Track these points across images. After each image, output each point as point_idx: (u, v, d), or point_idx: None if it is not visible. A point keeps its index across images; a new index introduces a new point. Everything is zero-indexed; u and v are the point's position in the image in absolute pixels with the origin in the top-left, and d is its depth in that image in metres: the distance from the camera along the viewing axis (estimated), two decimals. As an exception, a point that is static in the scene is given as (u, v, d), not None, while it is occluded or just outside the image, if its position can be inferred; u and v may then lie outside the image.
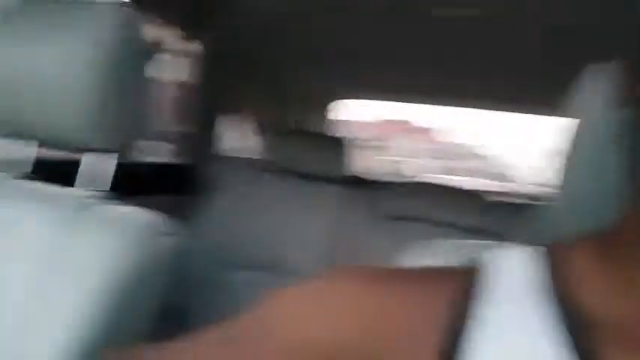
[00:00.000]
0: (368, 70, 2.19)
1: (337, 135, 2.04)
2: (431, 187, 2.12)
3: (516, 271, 0.43)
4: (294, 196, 1.90)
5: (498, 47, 1.65)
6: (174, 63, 2.01)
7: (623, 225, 0.41)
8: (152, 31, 1.76)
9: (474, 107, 2.61)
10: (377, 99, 2.88)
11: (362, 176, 2.25)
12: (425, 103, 2.77)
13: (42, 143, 0.81)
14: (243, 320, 0.47)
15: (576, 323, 0.39)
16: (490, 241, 0.57)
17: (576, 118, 0.57)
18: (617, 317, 0.39)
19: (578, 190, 0.55)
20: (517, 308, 0.40)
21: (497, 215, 1.82)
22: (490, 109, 2.59)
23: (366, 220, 1.89)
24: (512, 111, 2.55)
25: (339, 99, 2.85)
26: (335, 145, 1.99)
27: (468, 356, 0.38)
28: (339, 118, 2.85)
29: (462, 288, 0.42)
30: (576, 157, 0.56)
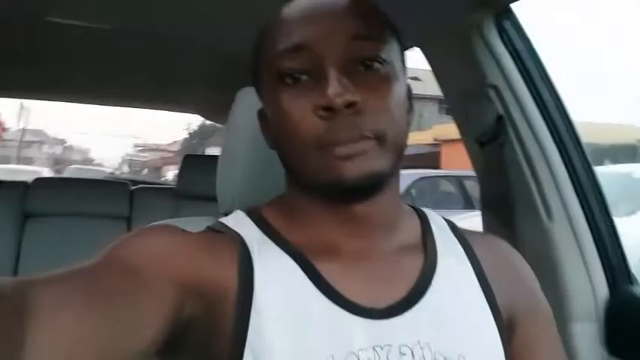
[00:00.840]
0: None
1: None
2: (76, 181, 2.44)
3: (248, 228, 0.64)
4: None
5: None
6: None
7: (283, 197, 0.68)
8: None
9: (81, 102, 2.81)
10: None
11: None
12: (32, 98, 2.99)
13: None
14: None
15: (291, 249, 0.61)
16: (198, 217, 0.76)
17: (231, 126, 0.83)
18: (300, 242, 0.62)
19: (235, 177, 0.81)
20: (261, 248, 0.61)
21: (142, 201, 2.18)
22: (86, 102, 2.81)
23: (9, 221, 2.01)
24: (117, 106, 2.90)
25: None
26: None
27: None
28: None
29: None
30: (229, 155, 0.82)
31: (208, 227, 0.67)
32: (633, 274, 1.12)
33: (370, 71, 0.60)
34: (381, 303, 0.60)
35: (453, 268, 0.66)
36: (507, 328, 0.66)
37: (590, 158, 1.15)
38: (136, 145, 34.08)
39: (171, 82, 2.33)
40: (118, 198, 2.18)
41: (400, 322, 0.59)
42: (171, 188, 2.33)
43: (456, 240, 0.70)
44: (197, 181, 2.10)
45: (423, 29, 1.22)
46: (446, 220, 0.74)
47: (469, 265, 0.67)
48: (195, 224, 0.69)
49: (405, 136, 0.64)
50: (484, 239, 0.74)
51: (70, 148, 36.65)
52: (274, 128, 0.64)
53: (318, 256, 0.62)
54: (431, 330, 0.60)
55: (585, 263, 1.10)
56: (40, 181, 2.22)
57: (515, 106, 1.12)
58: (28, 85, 2.42)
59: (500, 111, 1.14)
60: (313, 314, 0.57)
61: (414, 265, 0.65)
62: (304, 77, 0.60)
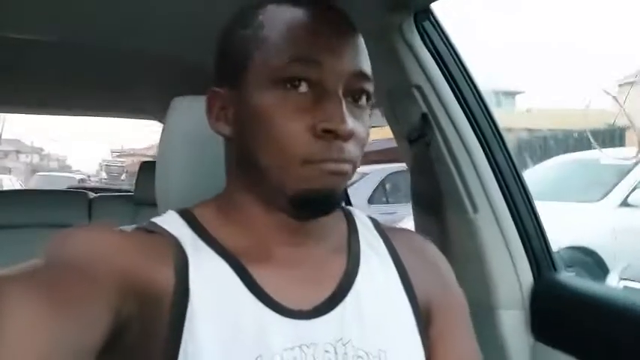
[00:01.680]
0: None
1: None
2: (36, 192, 2.46)
3: (180, 229, 0.65)
4: None
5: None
6: None
7: (220, 198, 0.69)
8: None
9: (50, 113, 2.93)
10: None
11: None
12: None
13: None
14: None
15: (225, 251, 0.63)
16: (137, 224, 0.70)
17: (167, 132, 0.83)
18: (234, 245, 0.64)
19: (172, 181, 0.82)
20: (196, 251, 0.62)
21: (101, 209, 2.25)
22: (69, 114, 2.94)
23: None
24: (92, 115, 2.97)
25: None
26: None
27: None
28: None
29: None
30: (167, 158, 0.83)
31: (138, 227, 0.67)
32: (557, 262, 1.16)
33: (360, 104, 0.64)
34: (308, 304, 0.62)
35: (375, 266, 0.69)
36: (425, 320, 0.70)
37: (565, 143, 1.18)
38: (113, 151, 33.78)
39: (130, 90, 2.34)
40: (77, 207, 2.19)
41: (324, 322, 0.62)
42: (130, 195, 2.34)
43: (379, 238, 0.73)
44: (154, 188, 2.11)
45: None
46: (370, 218, 0.77)
47: (391, 261, 0.71)
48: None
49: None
50: (403, 234, 0.77)
51: (48, 156, 36.27)
52: (249, 129, 0.63)
53: (251, 259, 0.63)
54: (353, 328, 0.63)
55: (510, 252, 1.14)
56: (1, 194, 2.22)
57: (439, 104, 1.16)
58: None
59: (425, 110, 1.17)
60: (244, 316, 0.59)
61: (339, 266, 0.68)
62: (303, 86, 0.61)
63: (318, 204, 0.63)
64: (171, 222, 0.66)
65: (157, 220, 0.67)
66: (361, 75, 0.63)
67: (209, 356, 0.57)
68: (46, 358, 0.46)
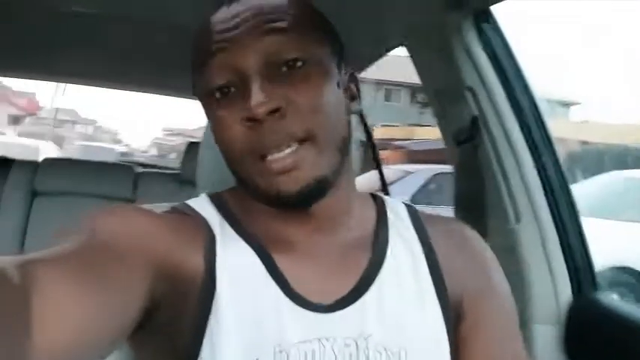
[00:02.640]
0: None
1: None
2: (84, 163, 2.43)
3: (210, 212, 0.65)
4: None
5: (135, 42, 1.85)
6: None
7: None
8: None
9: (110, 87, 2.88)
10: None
11: (6, 157, 2.28)
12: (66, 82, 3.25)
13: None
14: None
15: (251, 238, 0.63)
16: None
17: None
18: (258, 232, 0.64)
19: (214, 163, 0.77)
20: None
21: (146, 184, 2.24)
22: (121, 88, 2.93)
23: (19, 198, 2.08)
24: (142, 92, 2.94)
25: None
26: None
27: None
28: None
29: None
30: (209, 141, 0.76)
31: (173, 207, 0.68)
32: (598, 281, 1.12)
33: (294, 71, 0.59)
34: (329, 297, 0.61)
35: (402, 258, 0.66)
36: (455, 315, 0.66)
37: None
38: (165, 129, 34.50)
39: (181, 69, 2.35)
40: (123, 181, 2.24)
41: (345, 316, 0.61)
42: (176, 174, 2.38)
43: (412, 227, 0.70)
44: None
45: (406, 27, 1.24)
46: (407, 205, 0.73)
47: (421, 252, 0.67)
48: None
49: (342, 135, 0.63)
50: (443, 223, 0.73)
51: (101, 129, 37.29)
52: (216, 140, 0.64)
53: (275, 248, 0.63)
54: (374, 323, 0.61)
55: (550, 266, 1.11)
56: (50, 161, 2.29)
57: (490, 108, 1.13)
58: (57, 70, 2.48)
59: (475, 112, 1.15)
60: (266, 306, 0.59)
61: (362, 259, 0.65)
62: (232, 90, 0.60)
63: (293, 204, 0.61)
64: (203, 205, 0.67)
65: (190, 202, 0.68)
66: (275, 31, 0.59)
67: (232, 342, 0.57)
68: (82, 337, 0.47)
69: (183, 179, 2.26)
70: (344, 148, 0.64)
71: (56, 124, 26.16)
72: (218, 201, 0.68)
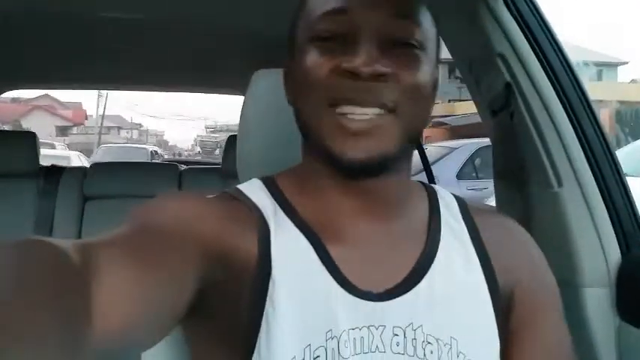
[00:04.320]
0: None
1: (25, 130, 2.57)
2: (129, 165, 2.61)
3: (263, 197, 0.66)
4: None
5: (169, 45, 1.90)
6: None
7: (297, 167, 0.70)
8: None
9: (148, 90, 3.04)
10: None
11: (58, 165, 2.36)
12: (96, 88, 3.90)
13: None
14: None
15: (303, 224, 0.64)
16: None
17: (247, 106, 0.86)
18: (310, 217, 0.64)
19: (253, 154, 0.85)
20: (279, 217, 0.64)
21: (190, 181, 2.30)
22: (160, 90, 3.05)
23: (71, 204, 2.16)
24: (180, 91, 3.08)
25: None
26: (25, 139, 2.18)
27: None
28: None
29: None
30: (248, 130, 0.86)
31: (224, 192, 0.69)
32: (648, 239, 1.10)
33: (405, 50, 0.61)
34: (380, 286, 0.63)
35: (454, 251, 0.67)
36: (506, 308, 0.68)
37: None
38: (207, 127, 34.92)
39: (218, 66, 2.40)
40: (168, 179, 2.30)
41: (395, 305, 0.62)
42: (218, 168, 2.43)
43: (462, 220, 0.70)
44: None
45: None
46: (456, 197, 0.74)
47: (472, 246, 0.68)
48: None
49: (424, 121, 0.65)
50: (491, 216, 0.74)
51: (146, 132, 38.09)
52: (296, 85, 0.65)
53: (328, 235, 0.64)
54: (425, 313, 0.62)
55: (596, 228, 1.09)
56: (97, 166, 2.39)
57: (523, 74, 1.12)
58: (100, 77, 2.57)
59: (508, 79, 1.14)
60: (318, 291, 0.61)
61: (416, 249, 0.66)
62: (336, 41, 0.61)
63: (354, 171, 0.62)
64: (255, 190, 0.68)
65: (241, 187, 0.69)
66: (400, 16, 0.61)
67: (287, 325, 0.59)
68: (137, 320, 0.48)
69: (226, 172, 2.30)
70: (416, 134, 0.66)
71: (102, 131, 26.92)
72: (271, 185, 0.69)
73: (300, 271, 0.61)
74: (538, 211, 1.15)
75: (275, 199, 0.67)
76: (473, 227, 0.70)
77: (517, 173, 1.18)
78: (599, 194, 1.10)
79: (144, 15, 1.66)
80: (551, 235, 1.12)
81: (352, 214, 0.65)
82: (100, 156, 11.98)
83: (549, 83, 1.11)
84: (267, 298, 0.59)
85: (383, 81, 0.59)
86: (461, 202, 0.73)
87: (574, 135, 1.11)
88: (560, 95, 1.11)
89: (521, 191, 1.18)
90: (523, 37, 1.12)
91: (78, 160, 8.49)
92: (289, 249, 0.62)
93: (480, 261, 0.67)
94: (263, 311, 0.59)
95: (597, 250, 1.09)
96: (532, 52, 1.11)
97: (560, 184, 1.11)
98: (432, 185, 0.75)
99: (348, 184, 0.64)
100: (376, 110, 0.59)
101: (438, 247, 0.67)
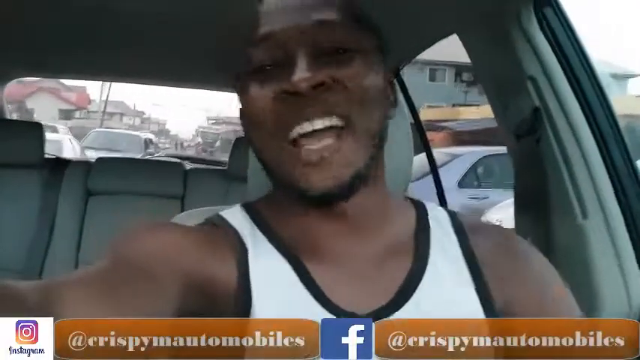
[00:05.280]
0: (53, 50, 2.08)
1: (31, 120, 2.79)
2: (135, 161, 2.53)
3: (243, 223, 0.65)
4: None
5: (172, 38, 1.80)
6: None
7: (271, 195, 0.69)
8: None
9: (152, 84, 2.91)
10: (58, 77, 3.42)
11: (61, 157, 2.34)
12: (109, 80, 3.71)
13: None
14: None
15: (283, 247, 0.62)
16: (219, 206, 0.72)
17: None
18: (290, 239, 0.63)
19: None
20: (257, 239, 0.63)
21: (195, 181, 2.23)
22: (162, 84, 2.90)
23: (75, 199, 2.12)
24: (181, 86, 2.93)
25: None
26: (31, 130, 2.14)
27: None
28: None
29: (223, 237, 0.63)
30: None
31: (206, 219, 0.68)
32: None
33: (340, 57, 0.60)
34: (364, 307, 0.60)
35: (444, 269, 0.64)
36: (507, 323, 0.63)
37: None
38: (209, 118, 34.97)
39: (220, 63, 2.36)
40: (173, 178, 2.26)
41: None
42: (223, 170, 2.39)
43: (454, 235, 0.67)
44: (247, 164, 2.14)
45: (460, 15, 1.19)
46: (448, 212, 0.71)
47: (464, 263, 0.65)
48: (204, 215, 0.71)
49: (378, 128, 0.62)
50: (485, 229, 0.70)
51: (149, 120, 38.11)
52: (248, 123, 0.64)
53: (309, 256, 0.62)
54: None
55: (621, 264, 1.05)
56: (102, 161, 2.35)
57: (553, 98, 1.08)
58: (102, 69, 2.50)
59: (537, 104, 1.09)
60: (300, 315, 0.57)
61: (402, 267, 0.63)
62: (273, 67, 0.60)
63: (324, 200, 0.60)
64: (234, 216, 0.67)
65: (223, 213, 0.68)
66: (327, 23, 0.60)
67: None
68: None
69: (231, 175, 2.27)
70: (378, 146, 0.62)
71: (105, 117, 26.70)
72: (252, 210, 0.68)
73: (281, 294, 0.60)
74: (560, 242, 1.11)
75: (255, 223, 0.66)
76: (465, 241, 0.67)
77: (540, 201, 1.14)
78: (626, 229, 1.06)
79: (145, 7, 1.60)
80: (572, 267, 1.08)
81: (331, 235, 0.63)
82: (90, 141, 11.50)
83: (580, 109, 1.07)
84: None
85: (326, 89, 0.57)
86: (453, 216, 0.70)
87: (602, 163, 1.07)
88: (590, 122, 1.07)
89: (542, 220, 1.14)
90: (555, 60, 1.08)
91: (69, 143, 8.35)
92: (269, 272, 0.61)
93: (472, 274, 0.64)
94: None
95: (620, 287, 1.05)
96: (564, 76, 1.07)
97: (585, 216, 1.07)
98: (421, 201, 0.72)
99: (321, 210, 0.62)
100: (327, 122, 0.58)
101: (426, 265, 0.64)
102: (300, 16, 0.60)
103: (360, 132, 0.59)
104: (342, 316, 0.59)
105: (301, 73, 0.56)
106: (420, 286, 0.62)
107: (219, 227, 0.65)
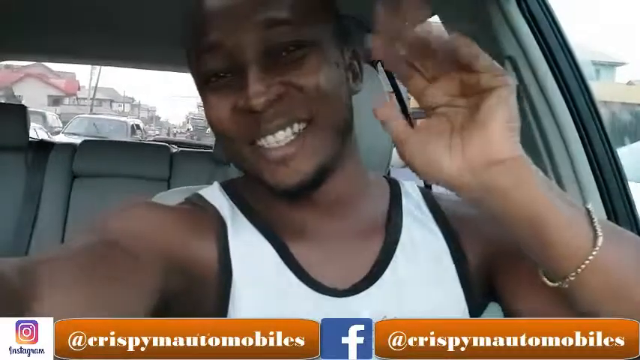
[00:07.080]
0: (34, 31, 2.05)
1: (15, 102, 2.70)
2: (121, 144, 2.53)
3: (223, 201, 0.65)
4: None
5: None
6: None
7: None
8: None
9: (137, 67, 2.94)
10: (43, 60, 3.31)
11: (46, 140, 2.39)
12: (92, 63, 3.69)
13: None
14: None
15: (263, 225, 0.63)
16: (198, 185, 0.72)
17: None
18: (270, 218, 0.64)
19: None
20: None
21: (182, 164, 2.25)
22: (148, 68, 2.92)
23: (60, 181, 2.13)
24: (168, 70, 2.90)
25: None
26: (15, 112, 2.16)
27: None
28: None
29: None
30: None
31: (186, 199, 0.69)
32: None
33: (292, 55, 0.58)
34: (345, 282, 0.62)
35: (417, 240, 0.66)
36: (487, 283, 0.65)
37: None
38: (199, 105, 34.53)
39: None
40: (159, 161, 2.27)
41: (362, 299, 0.61)
42: (209, 153, 2.40)
43: (426, 208, 0.69)
44: None
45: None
46: (421, 189, 0.72)
47: (439, 231, 0.67)
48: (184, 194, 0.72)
49: (343, 117, 0.62)
50: (456, 201, 0.70)
51: (138, 106, 37.78)
52: (209, 124, 0.63)
53: (287, 234, 0.64)
54: (392, 305, 0.61)
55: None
56: (88, 144, 2.34)
57: (532, 78, 1.09)
58: (88, 52, 2.50)
59: (516, 83, 1.10)
60: (282, 292, 0.60)
61: (376, 241, 0.65)
62: (228, 75, 0.59)
63: (294, 194, 0.60)
64: (214, 195, 0.67)
65: (202, 192, 0.68)
66: (275, 23, 0.57)
67: None
68: None
69: (216, 158, 2.27)
70: (346, 131, 0.63)
71: (94, 103, 26.55)
72: (230, 189, 0.68)
73: (262, 271, 0.61)
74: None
75: (234, 202, 0.66)
76: (439, 214, 0.69)
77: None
78: (601, 201, 1.08)
79: None
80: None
81: (307, 217, 0.65)
82: (73, 127, 11.31)
83: (557, 89, 1.09)
84: (230, 302, 0.59)
85: (283, 97, 0.57)
86: (425, 192, 0.72)
87: (579, 142, 1.08)
88: (567, 101, 1.09)
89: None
90: (534, 40, 1.09)
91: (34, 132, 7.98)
92: (249, 250, 0.62)
93: (450, 249, 0.66)
94: (226, 315, 0.59)
95: None
96: (542, 56, 1.09)
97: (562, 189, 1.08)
98: (396, 178, 0.73)
99: (294, 199, 0.63)
100: (294, 128, 0.58)
101: (399, 237, 0.65)
102: (245, 17, 0.57)
103: (324, 126, 0.59)
104: (323, 291, 0.60)
105: (255, 87, 0.55)
106: (395, 255, 0.64)
107: (198, 206, 0.66)
